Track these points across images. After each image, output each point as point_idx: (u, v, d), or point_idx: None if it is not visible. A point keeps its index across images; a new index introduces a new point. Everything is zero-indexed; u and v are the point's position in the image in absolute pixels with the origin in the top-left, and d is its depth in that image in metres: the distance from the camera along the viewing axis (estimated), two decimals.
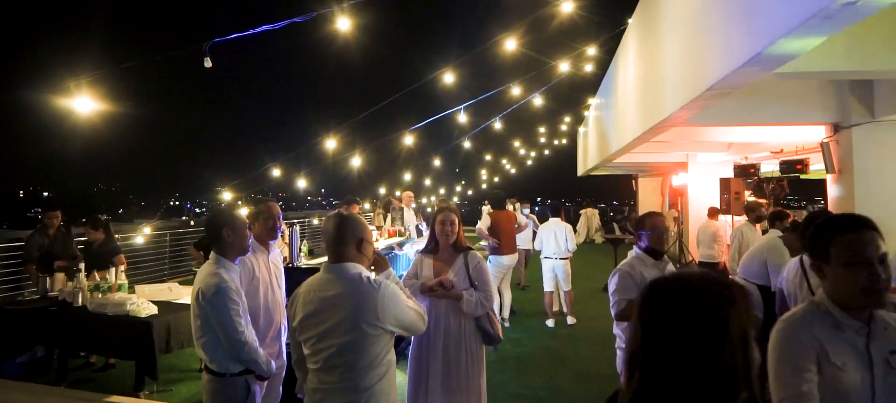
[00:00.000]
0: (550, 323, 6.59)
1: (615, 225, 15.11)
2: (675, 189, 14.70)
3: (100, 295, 4.18)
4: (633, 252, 2.86)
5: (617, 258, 9.34)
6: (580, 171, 20.71)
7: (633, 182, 20.55)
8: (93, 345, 4.18)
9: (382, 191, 11.21)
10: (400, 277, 6.79)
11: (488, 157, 20.26)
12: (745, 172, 7.95)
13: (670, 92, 5.90)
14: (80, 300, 4.20)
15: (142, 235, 7.60)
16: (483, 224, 6.21)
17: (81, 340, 4.13)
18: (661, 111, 6.29)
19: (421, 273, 3.09)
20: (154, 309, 4.00)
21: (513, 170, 22.52)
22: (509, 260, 6.16)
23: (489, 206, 16.98)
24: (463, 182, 22.20)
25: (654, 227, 2.76)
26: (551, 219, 6.61)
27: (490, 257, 6.19)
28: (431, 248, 3.15)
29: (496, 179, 22.19)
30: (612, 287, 2.74)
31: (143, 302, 4.04)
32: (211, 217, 2.63)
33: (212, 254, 2.47)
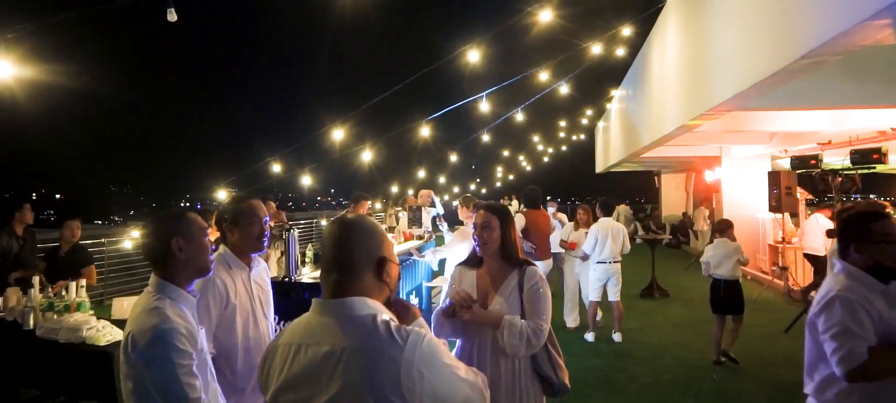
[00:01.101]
0: (590, 337, 5.75)
1: (638, 224, 14.21)
2: (708, 185, 13.76)
3: (54, 317, 3.40)
4: (837, 267, 1.94)
5: (654, 260, 8.48)
6: (599, 168, 19.75)
7: (656, 178, 19.59)
8: (42, 380, 3.38)
9: (394, 189, 10.40)
10: (418, 287, 5.97)
11: (505, 153, 19.47)
12: (804, 164, 7.03)
13: (728, 72, 5.06)
14: (31, 322, 3.43)
15: (130, 239, 6.99)
16: (517, 225, 5.35)
17: (29, 373, 3.34)
18: (715, 94, 5.44)
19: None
20: (118, 335, 3.21)
21: (528, 167, 21.70)
22: (545, 266, 5.33)
23: (505, 203, 16.14)
24: (477, 179, 21.40)
25: (889, 235, 1.84)
26: (602, 219, 5.74)
27: None
28: (475, 260, 2.31)
29: (511, 177, 21.40)
30: (831, 324, 1.80)
31: (104, 325, 3.26)
32: (153, 224, 1.69)
33: (152, 279, 1.63)
